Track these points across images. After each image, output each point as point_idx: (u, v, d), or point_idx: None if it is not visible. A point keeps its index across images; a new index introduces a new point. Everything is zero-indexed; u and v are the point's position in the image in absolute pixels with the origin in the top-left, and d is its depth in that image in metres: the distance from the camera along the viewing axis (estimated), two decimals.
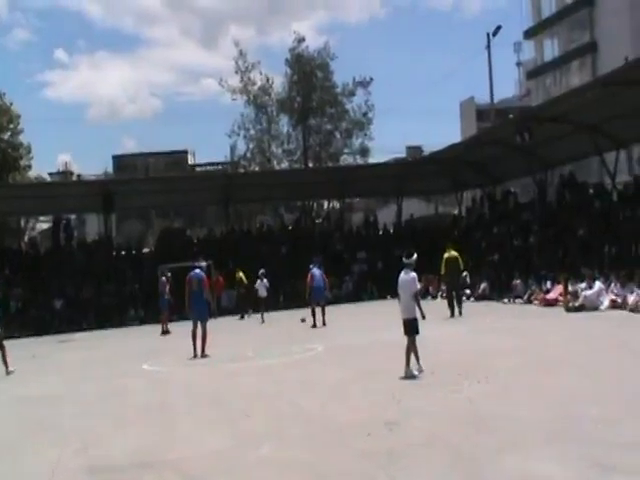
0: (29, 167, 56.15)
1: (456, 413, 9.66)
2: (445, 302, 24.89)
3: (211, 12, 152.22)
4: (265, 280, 29.61)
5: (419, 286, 13.81)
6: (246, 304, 31.65)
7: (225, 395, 12.92)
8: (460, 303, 24.02)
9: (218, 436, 9.68)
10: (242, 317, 31.05)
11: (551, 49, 69.62)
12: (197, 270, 19.46)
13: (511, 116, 41.65)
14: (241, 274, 32.44)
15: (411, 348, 12.88)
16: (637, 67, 24.97)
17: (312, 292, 24.32)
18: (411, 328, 12.94)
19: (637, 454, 7.22)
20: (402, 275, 13.33)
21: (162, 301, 28.10)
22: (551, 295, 24.65)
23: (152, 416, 11.55)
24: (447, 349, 15.95)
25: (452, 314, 23.58)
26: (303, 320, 24.82)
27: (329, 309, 25.12)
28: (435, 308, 27.59)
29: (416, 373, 12.71)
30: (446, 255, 24.49)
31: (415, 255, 13.47)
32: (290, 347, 19.02)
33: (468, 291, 29.06)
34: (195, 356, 18.37)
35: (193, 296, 19.09)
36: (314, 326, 23.71)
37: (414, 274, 13.23)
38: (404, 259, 13.51)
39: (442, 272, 24.99)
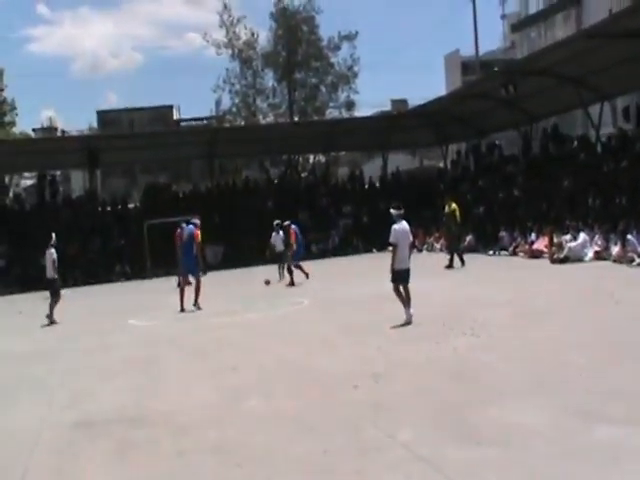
0: (13, 123, 55.60)
1: (442, 364, 9.76)
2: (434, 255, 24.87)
3: None
4: (281, 232, 25.87)
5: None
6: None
7: (211, 349, 12.99)
8: (459, 255, 23.91)
9: (205, 389, 9.77)
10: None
11: (536, 2, 69.00)
12: (189, 225, 19.50)
13: (496, 69, 41.39)
14: None
15: (409, 296, 13.30)
16: (621, 19, 24.80)
17: (297, 250, 23.86)
18: (408, 277, 13.38)
19: (618, 402, 7.34)
20: (401, 226, 13.40)
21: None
22: (536, 247, 24.77)
23: (139, 370, 11.61)
24: (433, 301, 16.03)
25: (450, 265, 23.65)
26: (268, 282, 23.46)
27: (316, 263, 25.14)
28: (424, 261, 27.84)
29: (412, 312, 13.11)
30: (446, 209, 24.58)
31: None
32: (277, 301, 19.11)
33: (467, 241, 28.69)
34: (182, 310, 18.46)
35: (183, 249, 19.18)
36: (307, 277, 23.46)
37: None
38: (393, 211, 13.59)
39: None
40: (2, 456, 7.62)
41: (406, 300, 13.39)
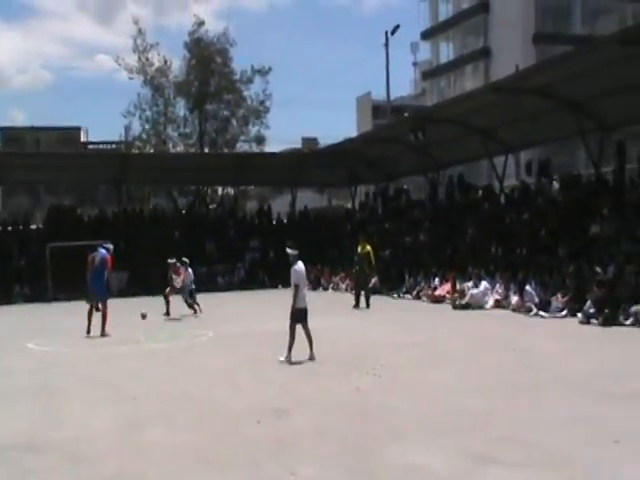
0: None
1: (344, 403, 9.89)
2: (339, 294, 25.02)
3: None
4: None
5: None
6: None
7: (112, 377, 12.80)
8: (367, 296, 24.30)
9: (105, 418, 9.62)
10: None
11: (446, 51, 71.27)
12: (102, 250, 19.34)
13: (406, 114, 42.46)
14: None
15: (309, 334, 13.53)
16: (526, 76, 25.86)
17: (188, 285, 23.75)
18: (306, 315, 13.63)
19: (510, 446, 7.60)
20: (300, 266, 13.64)
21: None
22: (439, 292, 25.32)
23: (36, 397, 11.32)
24: (337, 340, 16.22)
25: (356, 305, 23.95)
26: (144, 316, 22.10)
27: (222, 295, 24.96)
28: (329, 300, 28.08)
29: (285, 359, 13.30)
30: (359, 249, 24.87)
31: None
32: (181, 332, 18.97)
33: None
34: (89, 333, 18.29)
35: (94, 274, 18.97)
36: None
37: None
38: (290, 251, 13.88)
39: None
40: None
41: (307, 339, 13.58)
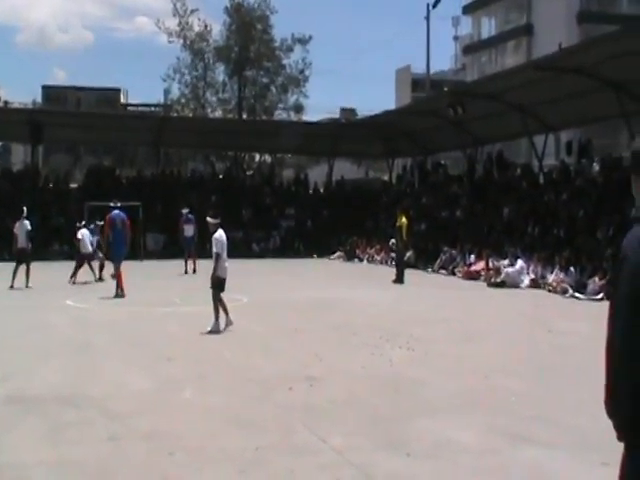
0: None
1: (376, 375, 9.94)
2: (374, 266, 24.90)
3: None
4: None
5: None
6: None
7: (148, 338, 12.98)
8: (401, 271, 23.95)
9: (140, 377, 9.79)
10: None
11: (488, 27, 70.25)
12: (117, 211, 19.64)
13: (445, 89, 42.06)
14: None
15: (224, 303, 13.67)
16: (569, 55, 25.48)
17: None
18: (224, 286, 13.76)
19: (542, 426, 7.60)
20: (222, 235, 13.76)
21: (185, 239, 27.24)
22: (474, 269, 25.18)
23: (74, 352, 11.54)
24: (371, 312, 16.29)
25: (396, 280, 23.74)
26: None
27: (256, 262, 25.17)
28: (364, 272, 28.11)
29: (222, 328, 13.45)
30: (397, 222, 24.75)
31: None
32: None
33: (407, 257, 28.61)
34: (117, 295, 18.54)
35: (116, 236, 19.24)
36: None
37: None
38: (211, 219, 13.93)
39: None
40: None
41: (224, 309, 13.64)
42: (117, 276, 18.93)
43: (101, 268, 23.31)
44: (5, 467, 6.34)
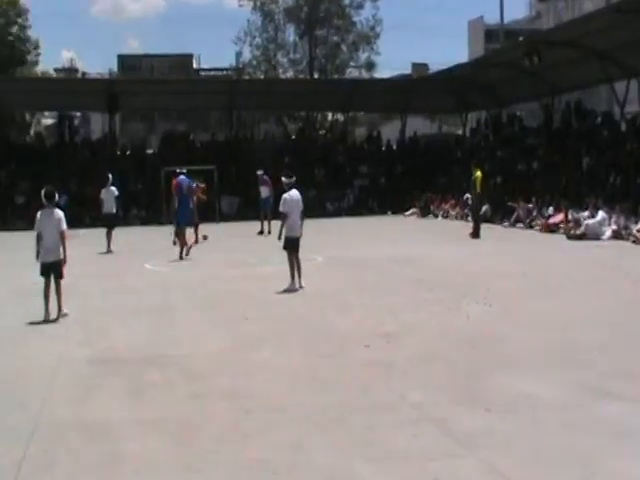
0: (36, 63, 55.60)
1: (454, 330, 9.87)
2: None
3: None
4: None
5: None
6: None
7: (226, 298, 13.15)
8: (477, 226, 23.57)
9: (218, 337, 9.90)
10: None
11: None
12: (183, 176, 20.05)
13: (521, 38, 41.04)
14: None
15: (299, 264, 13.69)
16: None
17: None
18: (298, 245, 13.82)
19: (626, 381, 7.41)
20: (292, 195, 13.75)
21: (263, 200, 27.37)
22: (552, 221, 24.69)
23: (154, 314, 11.74)
24: (447, 268, 16.18)
25: (473, 234, 23.35)
26: (205, 237, 23.25)
27: (330, 221, 25.22)
28: (439, 227, 27.90)
29: (298, 287, 13.52)
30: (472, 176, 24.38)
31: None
32: None
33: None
34: (181, 259, 18.93)
35: (183, 201, 19.62)
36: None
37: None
38: (285, 179, 13.99)
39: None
40: (21, 388, 7.76)
41: (297, 269, 13.64)
42: (180, 239, 19.27)
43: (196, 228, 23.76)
44: (91, 425, 6.51)
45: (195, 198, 20.85)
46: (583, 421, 6.30)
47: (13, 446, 6.00)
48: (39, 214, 11.53)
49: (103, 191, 22.33)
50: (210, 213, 29.39)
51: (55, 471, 5.52)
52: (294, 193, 13.83)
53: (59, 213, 11.54)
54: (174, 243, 20.18)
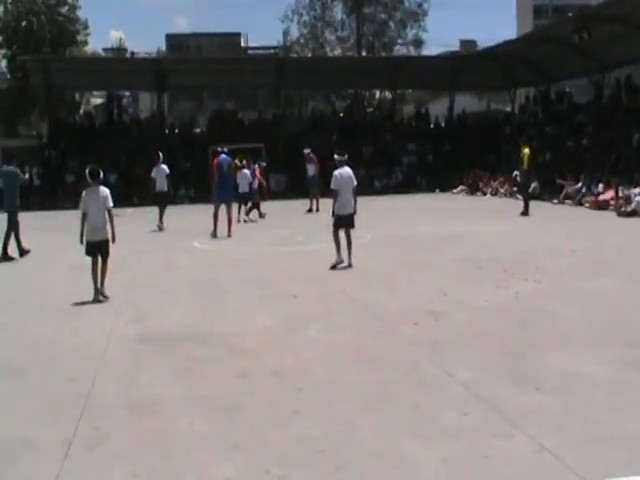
0: (85, 43, 56.20)
1: (503, 308, 9.79)
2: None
3: None
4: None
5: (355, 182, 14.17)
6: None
7: (273, 276, 13.18)
8: (526, 203, 23.27)
9: (266, 314, 9.94)
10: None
11: None
12: (224, 155, 20.21)
13: (570, 14, 40.31)
14: None
15: (350, 241, 13.66)
16: None
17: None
18: (352, 222, 13.81)
19: None
20: (343, 172, 13.70)
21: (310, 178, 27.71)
22: (603, 198, 24.32)
23: (202, 292, 11.87)
24: (495, 245, 16.03)
25: (524, 212, 23.01)
26: (263, 215, 24.38)
27: (378, 198, 25.17)
28: (488, 205, 27.63)
29: (343, 261, 13.51)
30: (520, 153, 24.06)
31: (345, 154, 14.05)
32: None
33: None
34: (215, 236, 19.10)
35: (223, 179, 19.74)
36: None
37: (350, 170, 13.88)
38: (337, 156, 13.97)
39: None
40: (73, 365, 7.89)
41: (346, 246, 13.61)
42: (214, 218, 19.46)
43: (257, 207, 24.39)
44: (141, 402, 6.59)
45: (257, 180, 22.70)
46: (634, 401, 6.21)
47: (64, 423, 6.10)
48: (84, 193, 11.52)
49: (154, 169, 22.49)
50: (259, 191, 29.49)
51: (105, 448, 5.59)
52: (345, 170, 13.80)
53: (105, 191, 11.55)
54: (261, 216, 21.71)
